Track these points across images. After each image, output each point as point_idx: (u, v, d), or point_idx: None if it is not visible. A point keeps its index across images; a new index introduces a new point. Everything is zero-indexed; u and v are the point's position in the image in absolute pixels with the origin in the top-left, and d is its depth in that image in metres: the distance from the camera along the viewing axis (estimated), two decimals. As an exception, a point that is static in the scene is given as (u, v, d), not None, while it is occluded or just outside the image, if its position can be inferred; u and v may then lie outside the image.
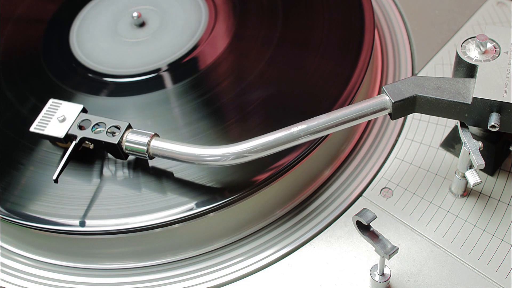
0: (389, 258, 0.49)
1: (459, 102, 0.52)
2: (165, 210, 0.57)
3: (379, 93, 0.68)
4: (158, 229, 0.57)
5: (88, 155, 0.62)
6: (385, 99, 0.53)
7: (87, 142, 0.59)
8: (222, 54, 0.69)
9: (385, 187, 0.61)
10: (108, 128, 0.58)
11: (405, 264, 0.56)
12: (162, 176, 0.59)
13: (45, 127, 0.60)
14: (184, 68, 0.69)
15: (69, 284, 0.60)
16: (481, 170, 0.60)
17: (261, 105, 0.64)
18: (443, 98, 0.52)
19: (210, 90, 0.66)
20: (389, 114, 0.54)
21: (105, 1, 0.79)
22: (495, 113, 0.51)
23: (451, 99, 0.52)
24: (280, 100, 0.64)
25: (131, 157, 0.61)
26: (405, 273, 0.55)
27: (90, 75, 0.70)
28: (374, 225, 0.49)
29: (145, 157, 0.57)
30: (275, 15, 0.72)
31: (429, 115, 0.64)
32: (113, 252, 0.60)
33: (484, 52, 0.54)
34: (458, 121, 0.55)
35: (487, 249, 0.56)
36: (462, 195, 0.60)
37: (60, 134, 0.59)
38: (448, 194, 0.60)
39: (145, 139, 0.57)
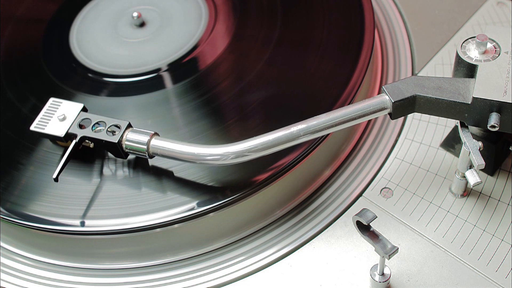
0: (389, 258, 0.49)
1: (459, 102, 0.52)
2: (165, 210, 0.57)
3: (379, 93, 0.68)
4: (158, 229, 0.57)
5: (88, 154, 0.62)
6: (385, 98, 0.53)
7: (87, 141, 0.59)
8: (222, 54, 0.69)
9: (385, 187, 0.61)
10: (108, 127, 0.58)
11: (405, 264, 0.56)
12: (162, 175, 0.59)
13: (46, 126, 0.60)
14: (184, 68, 0.69)
15: (69, 284, 0.60)
16: (481, 170, 0.60)
17: (261, 105, 0.64)
18: (443, 98, 0.52)
19: (210, 90, 0.66)
20: (389, 113, 0.54)
21: (105, 1, 0.79)
22: (495, 113, 0.51)
23: (451, 99, 0.52)
24: (280, 100, 0.64)
25: (131, 156, 0.61)
26: (405, 273, 0.55)
27: (90, 75, 0.70)
28: (374, 225, 0.49)
29: (145, 156, 0.57)
30: (275, 15, 0.72)
31: (429, 115, 0.64)
32: (113, 252, 0.60)
33: (484, 52, 0.54)
34: (458, 121, 0.55)
35: (487, 249, 0.56)
36: (462, 195, 0.60)
37: (61, 133, 0.59)
38: (448, 194, 0.60)
39: (145, 138, 0.57)
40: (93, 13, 0.78)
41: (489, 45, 0.55)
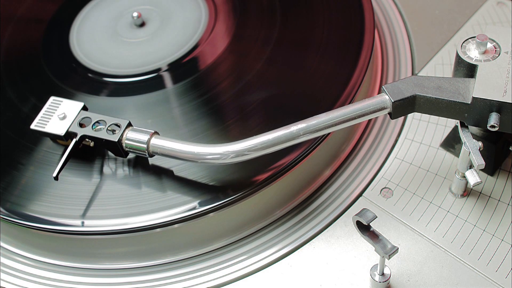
0: (389, 258, 0.49)
1: (458, 102, 0.52)
2: (165, 210, 0.57)
3: (379, 93, 0.68)
4: (158, 229, 0.57)
5: (88, 153, 0.62)
6: (385, 98, 0.53)
7: (87, 139, 0.60)
8: (222, 54, 0.69)
9: (385, 187, 0.61)
10: (109, 126, 0.59)
11: (405, 264, 0.56)
12: (162, 175, 0.59)
13: (46, 124, 0.60)
14: (184, 68, 0.69)
15: (69, 284, 0.60)
16: (481, 170, 0.60)
17: (261, 105, 0.64)
18: (442, 98, 0.52)
19: (210, 90, 0.66)
20: (389, 113, 0.54)
21: (105, 1, 0.79)
22: (495, 113, 0.51)
23: (450, 99, 0.52)
24: (280, 100, 0.64)
25: (131, 155, 0.61)
26: (405, 273, 0.55)
27: (90, 75, 0.70)
28: (374, 225, 0.49)
29: (145, 155, 0.57)
30: (275, 15, 0.72)
31: (429, 115, 0.64)
32: (113, 252, 0.60)
33: (484, 52, 0.54)
34: (458, 121, 0.55)
35: (487, 249, 0.56)
36: (462, 195, 0.59)
37: (61, 131, 0.59)
38: (448, 194, 0.60)
39: (145, 137, 0.57)
40: (93, 13, 0.78)
41: (489, 45, 0.55)
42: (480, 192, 0.60)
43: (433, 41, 0.74)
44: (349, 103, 0.62)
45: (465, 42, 0.55)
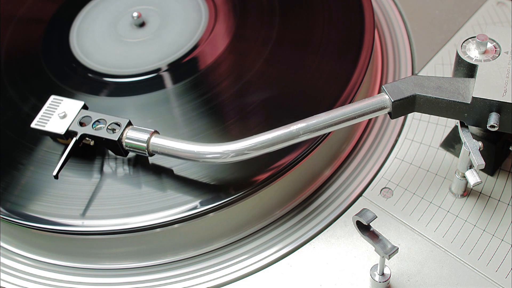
0: (389, 258, 0.49)
1: (458, 101, 0.52)
2: (165, 210, 0.57)
3: (379, 93, 0.68)
4: (158, 229, 0.57)
5: (88, 152, 0.62)
6: (385, 98, 0.53)
7: (87, 138, 0.60)
8: (222, 54, 0.69)
9: (385, 187, 0.61)
10: (109, 125, 0.59)
11: (405, 264, 0.56)
12: (162, 175, 0.60)
13: (46, 123, 0.60)
14: (184, 68, 0.69)
15: (69, 284, 0.60)
16: (481, 170, 0.60)
17: (261, 105, 0.64)
18: (442, 98, 0.52)
19: (210, 90, 0.66)
20: (389, 113, 0.54)
21: (105, 1, 0.79)
22: (495, 113, 0.51)
23: (450, 99, 0.52)
24: (280, 100, 0.64)
25: (131, 154, 0.61)
26: (405, 273, 0.55)
27: (90, 75, 0.70)
28: (374, 225, 0.49)
29: (145, 154, 0.57)
30: (275, 15, 0.72)
31: (429, 115, 0.64)
32: (113, 252, 0.60)
33: (484, 52, 0.54)
34: (458, 121, 0.54)
35: (487, 249, 0.56)
36: (462, 195, 0.59)
37: (61, 130, 0.59)
38: (448, 194, 0.60)
39: (145, 136, 0.57)
40: (93, 13, 0.78)
41: (489, 45, 0.55)
42: (480, 192, 0.60)
43: (433, 41, 0.73)
44: (349, 103, 0.62)
45: (465, 42, 0.55)
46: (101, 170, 0.61)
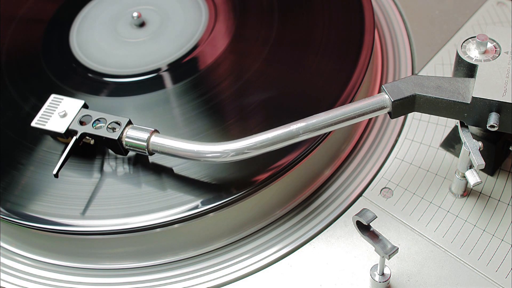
0: (389, 258, 0.49)
1: (458, 101, 0.52)
2: (165, 210, 0.57)
3: (379, 93, 0.68)
4: (158, 229, 0.57)
5: (88, 151, 0.62)
6: (385, 97, 0.53)
7: (87, 137, 0.60)
8: (222, 54, 0.69)
9: (385, 187, 0.61)
10: (109, 124, 0.59)
11: (405, 264, 0.56)
12: (162, 174, 0.60)
13: (46, 122, 0.60)
14: (184, 68, 0.69)
15: (69, 284, 0.60)
16: (481, 170, 0.60)
17: (261, 105, 0.64)
18: (442, 98, 0.52)
19: (210, 90, 0.66)
20: (389, 112, 0.54)
21: (105, 1, 0.79)
22: (494, 113, 0.51)
23: (450, 99, 0.52)
24: (280, 100, 0.64)
25: (131, 153, 0.61)
26: (405, 273, 0.55)
27: (90, 75, 0.70)
28: (374, 225, 0.49)
29: (145, 153, 0.57)
30: (275, 15, 0.72)
31: (429, 115, 0.64)
32: (113, 252, 0.60)
33: (484, 52, 0.54)
34: (458, 121, 0.55)
35: (487, 249, 0.56)
36: (462, 195, 0.59)
37: (61, 129, 0.59)
38: (448, 194, 0.60)
39: (145, 135, 0.57)
40: (93, 13, 0.78)
41: (489, 45, 0.55)
42: (480, 192, 0.60)
43: (433, 41, 0.74)
44: (349, 103, 0.62)
45: (465, 42, 0.55)
46: (101, 170, 0.61)
